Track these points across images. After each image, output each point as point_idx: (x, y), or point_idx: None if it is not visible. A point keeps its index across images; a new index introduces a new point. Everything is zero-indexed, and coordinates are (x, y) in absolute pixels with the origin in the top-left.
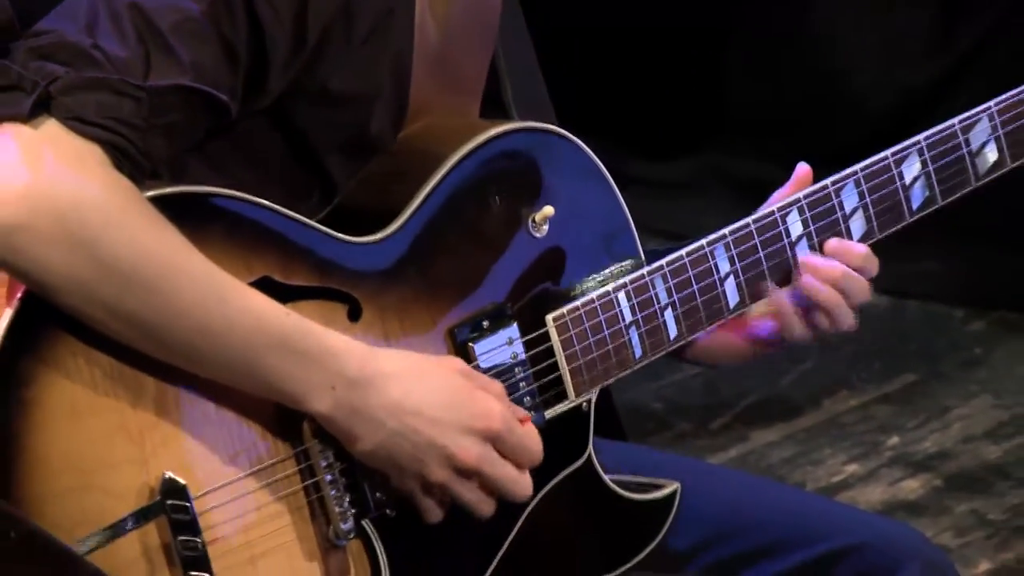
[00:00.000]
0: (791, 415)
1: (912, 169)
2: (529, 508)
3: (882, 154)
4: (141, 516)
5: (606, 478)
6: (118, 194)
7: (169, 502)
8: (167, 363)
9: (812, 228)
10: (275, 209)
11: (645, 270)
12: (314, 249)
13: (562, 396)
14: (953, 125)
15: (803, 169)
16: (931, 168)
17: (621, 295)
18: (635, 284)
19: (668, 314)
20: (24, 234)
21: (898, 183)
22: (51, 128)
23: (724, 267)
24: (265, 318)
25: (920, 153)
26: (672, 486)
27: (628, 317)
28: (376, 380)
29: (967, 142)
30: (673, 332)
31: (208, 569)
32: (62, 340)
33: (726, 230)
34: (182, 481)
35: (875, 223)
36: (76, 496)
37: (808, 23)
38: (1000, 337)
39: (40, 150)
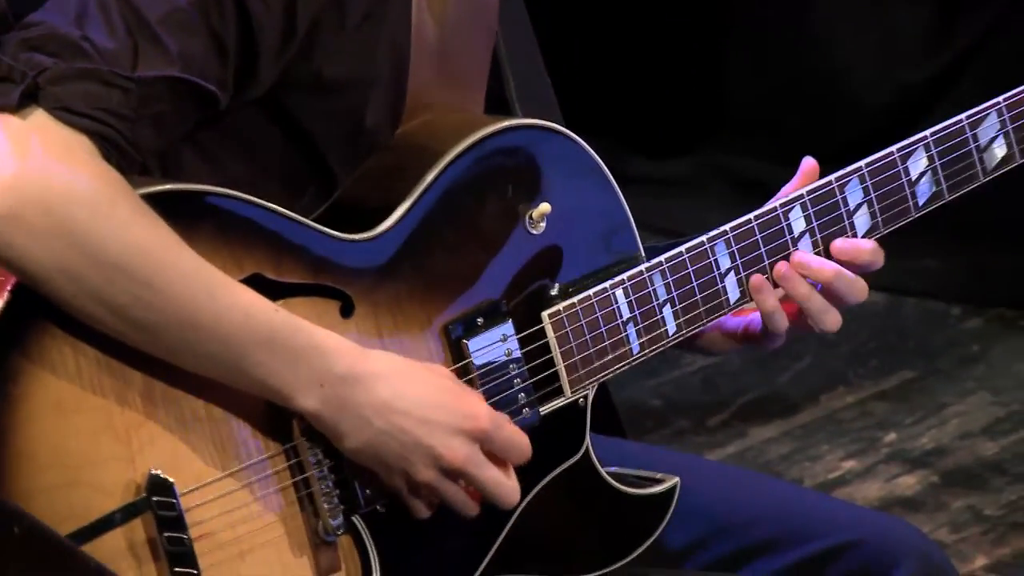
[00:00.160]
0: (789, 412)
1: (919, 165)
2: (524, 503)
3: (888, 150)
4: (127, 512)
5: (604, 473)
6: (106, 185)
7: (155, 498)
8: (155, 360)
9: (815, 224)
10: (267, 206)
11: (643, 266)
12: (306, 246)
13: (558, 392)
14: (961, 121)
15: (809, 163)
16: (938, 163)
17: (619, 291)
18: (633, 281)
19: (667, 310)
20: (11, 224)
21: (904, 179)
22: (39, 118)
23: (725, 263)
24: (254, 314)
25: (927, 148)
26: (672, 480)
27: (626, 313)
28: (365, 379)
29: (975, 137)
30: (672, 328)
31: (194, 565)
32: (49, 336)
33: (727, 226)
34: (168, 478)
35: (880, 218)
36: (62, 492)
37: (807, 21)
38: (997, 334)
39: (28, 140)
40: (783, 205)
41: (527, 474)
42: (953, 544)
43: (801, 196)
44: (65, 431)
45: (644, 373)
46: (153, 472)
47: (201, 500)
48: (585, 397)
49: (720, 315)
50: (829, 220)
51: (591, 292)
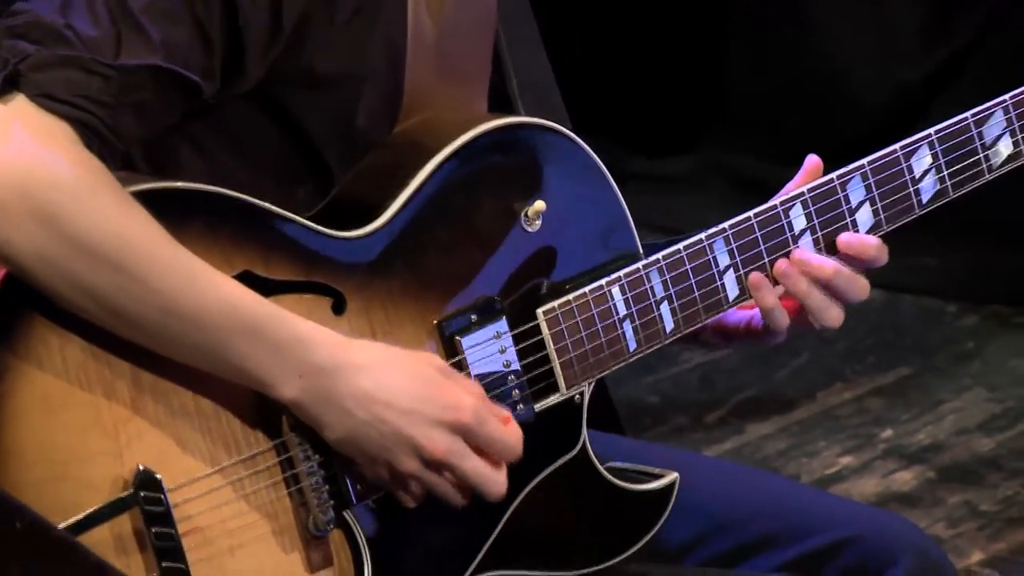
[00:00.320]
0: (786, 408)
1: (922, 162)
2: (519, 499)
3: (891, 147)
4: (115, 507)
5: (602, 469)
6: (87, 172)
7: (143, 493)
8: (144, 354)
9: (816, 222)
10: (256, 204)
11: (640, 264)
12: (298, 243)
13: (553, 388)
14: (966, 119)
15: (813, 161)
16: (942, 161)
17: (615, 289)
18: (630, 278)
19: (664, 307)
20: None
21: (907, 176)
22: (20, 104)
23: (724, 260)
24: (236, 304)
25: (931, 146)
26: (671, 476)
27: (622, 311)
28: (346, 370)
29: (980, 135)
30: (669, 325)
31: (182, 560)
32: (35, 332)
33: (726, 224)
34: (156, 473)
35: (883, 216)
36: (50, 487)
37: (806, 20)
38: (993, 331)
39: (9, 126)
40: (783, 203)
41: (523, 469)
42: (950, 539)
43: (802, 194)
44: (52, 427)
45: (642, 370)
46: (141, 467)
47: (190, 495)
48: (581, 394)
49: (718, 313)
50: (830, 218)
51: (587, 289)
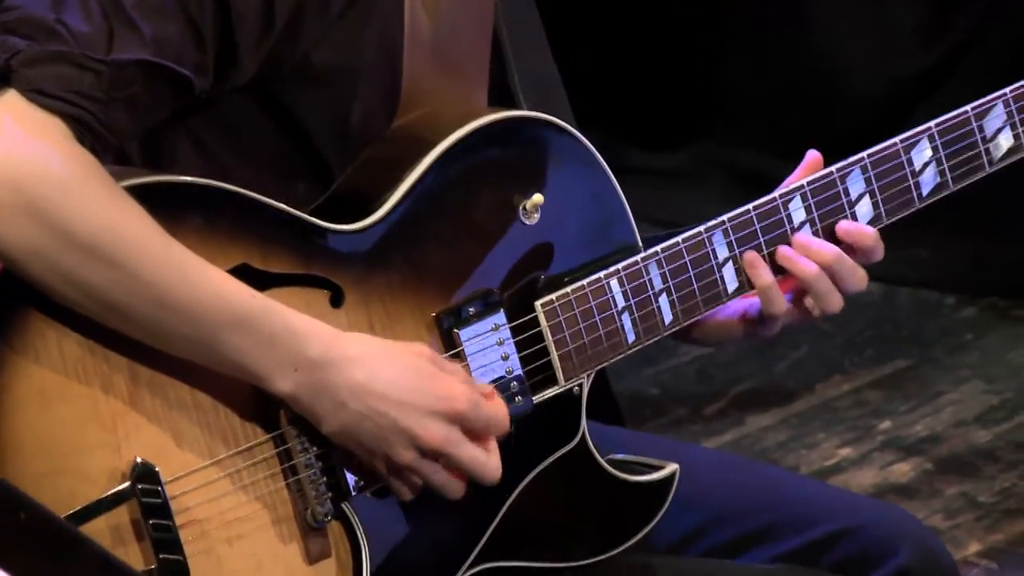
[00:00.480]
0: (785, 400)
1: (922, 155)
2: (518, 490)
3: (891, 140)
4: (113, 500)
5: (601, 460)
6: (79, 166)
7: (140, 486)
8: (141, 347)
9: (816, 214)
10: (253, 197)
11: (639, 256)
12: (295, 236)
13: (551, 380)
14: (966, 112)
15: (813, 155)
16: (942, 154)
17: (613, 281)
18: (628, 270)
19: (663, 300)
20: None
21: (907, 169)
22: (12, 99)
23: (723, 253)
24: (227, 296)
25: (931, 139)
26: (671, 467)
27: (620, 303)
28: (339, 362)
29: (980, 128)
30: (668, 317)
31: (180, 552)
32: (32, 327)
33: (725, 216)
34: (154, 465)
35: (883, 209)
36: (49, 480)
37: (805, 15)
38: (991, 323)
39: (1, 121)
40: (783, 196)
41: (522, 461)
42: (947, 530)
43: (801, 187)
44: (50, 420)
45: (642, 362)
46: (139, 459)
47: (187, 487)
48: (580, 386)
49: (717, 305)
50: (830, 210)
51: (585, 282)
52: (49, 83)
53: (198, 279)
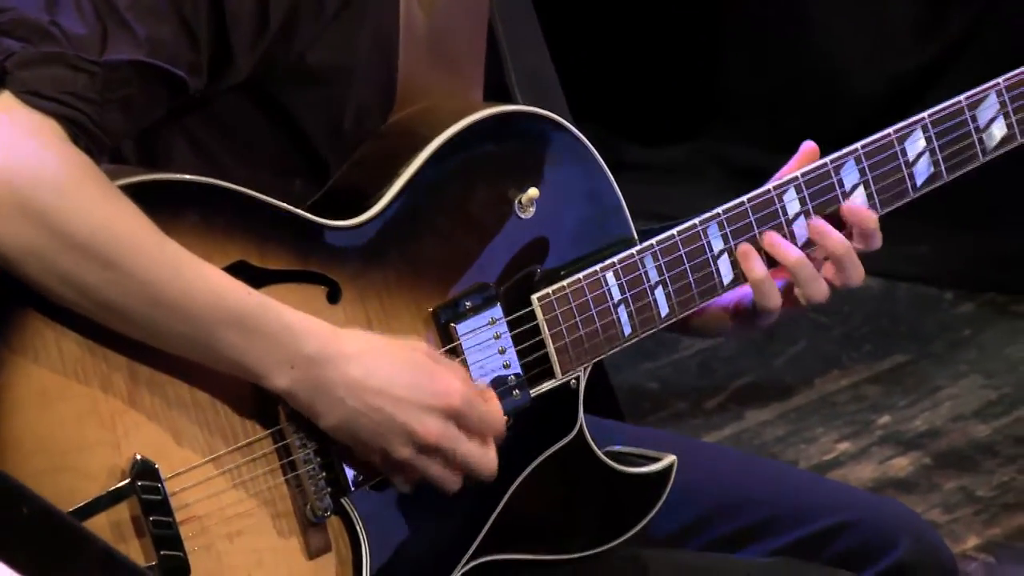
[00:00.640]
0: (784, 395)
1: (916, 146)
2: (516, 484)
3: (884, 131)
4: (112, 497)
5: (599, 452)
6: (73, 167)
7: (140, 483)
8: (139, 345)
9: (810, 206)
10: (249, 194)
11: (635, 249)
12: (292, 233)
13: (548, 374)
14: (959, 101)
15: (809, 146)
16: (936, 144)
17: (609, 274)
18: (624, 263)
19: (659, 292)
20: None
21: (901, 160)
22: (7, 101)
23: (718, 245)
24: (223, 294)
25: (924, 130)
26: (668, 459)
27: (616, 296)
28: (336, 359)
29: (974, 118)
30: (664, 310)
31: (180, 548)
32: (31, 327)
33: (719, 209)
34: (154, 462)
35: (877, 199)
36: (49, 477)
37: (803, 11)
38: (989, 319)
39: None
40: (777, 187)
41: (520, 454)
42: (945, 524)
43: (795, 178)
44: (50, 418)
45: (642, 356)
46: (138, 457)
47: (187, 484)
48: (577, 379)
49: (713, 297)
50: (824, 202)
51: (581, 275)
52: (43, 85)
53: (193, 277)
